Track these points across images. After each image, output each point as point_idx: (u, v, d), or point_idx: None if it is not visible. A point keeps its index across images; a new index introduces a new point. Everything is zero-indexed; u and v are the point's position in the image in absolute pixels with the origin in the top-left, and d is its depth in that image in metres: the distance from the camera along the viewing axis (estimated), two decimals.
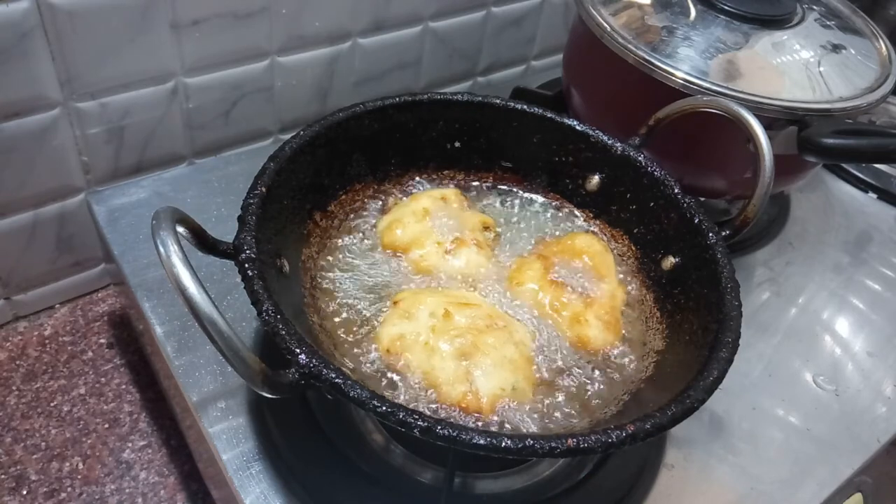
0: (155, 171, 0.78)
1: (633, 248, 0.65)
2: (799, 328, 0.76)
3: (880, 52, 0.79)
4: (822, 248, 0.87)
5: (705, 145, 0.74)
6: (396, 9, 0.85)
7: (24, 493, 0.64)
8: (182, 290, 0.39)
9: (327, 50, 0.83)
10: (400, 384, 0.51)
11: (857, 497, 0.67)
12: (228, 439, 0.55)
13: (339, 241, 0.62)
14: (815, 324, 0.77)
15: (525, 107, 0.67)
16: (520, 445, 0.40)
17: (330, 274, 0.59)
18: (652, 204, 0.63)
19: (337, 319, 0.56)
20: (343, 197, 0.64)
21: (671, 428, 0.44)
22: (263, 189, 0.52)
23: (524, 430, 0.50)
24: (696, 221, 0.59)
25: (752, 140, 0.60)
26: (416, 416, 0.40)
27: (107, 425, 0.70)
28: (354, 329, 0.55)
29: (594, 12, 0.75)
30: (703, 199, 0.81)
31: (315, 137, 0.58)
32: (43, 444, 0.67)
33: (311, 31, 0.80)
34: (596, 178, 0.67)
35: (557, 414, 0.52)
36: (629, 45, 0.71)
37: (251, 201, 0.50)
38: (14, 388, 0.71)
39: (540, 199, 0.70)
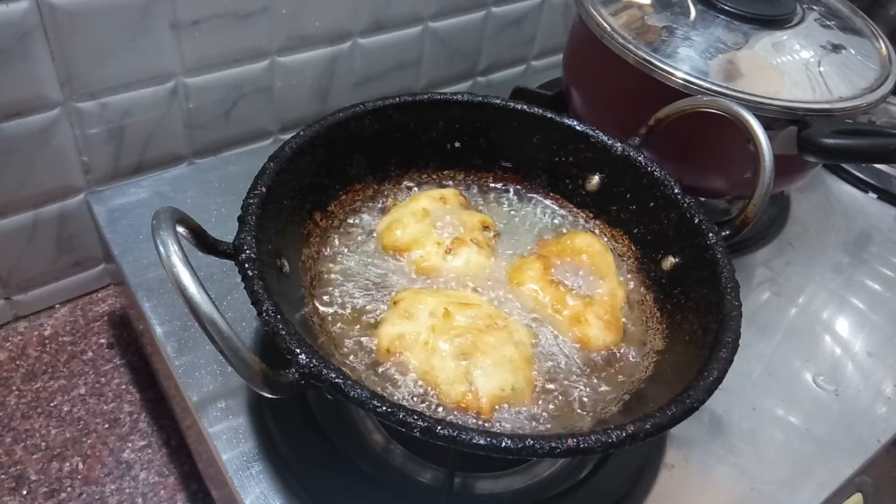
0: (155, 171, 0.78)
1: (633, 248, 0.65)
2: (799, 328, 0.76)
3: (880, 52, 0.79)
4: (822, 248, 0.87)
5: (705, 145, 0.74)
6: (396, 9, 0.85)
7: (24, 493, 0.64)
8: (182, 290, 0.39)
9: (327, 50, 0.83)
10: (400, 384, 0.51)
11: (857, 497, 0.67)
12: (228, 439, 0.55)
13: (339, 241, 0.62)
14: (815, 324, 0.77)
15: (525, 107, 0.67)
16: (520, 445, 0.40)
17: (330, 274, 0.59)
18: (652, 204, 0.63)
19: (337, 319, 0.56)
20: (343, 197, 0.64)
21: (671, 428, 0.44)
22: (263, 189, 0.52)
23: (524, 430, 0.50)
24: (696, 221, 0.59)
25: (752, 140, 0.60)
26: (416, 416, 0.40)
27: (107, 425, 0.70)
28: (354, 329, 0.55)
29: (594, 12, 0.75)
30: (703, 199, 0.81)
31: (315, 137, 0.58)
32: (43, 444, 0.67)
33: (311, 31, 0.80)
34: (596, 178, 0.67)
35: (557, 414, 0.52)
36: (629, 45, 0.71)
37: (251, 201, 0.50)
38: (14, 388, 0.71)
39: (540, 199, 0.70)
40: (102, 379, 0.74)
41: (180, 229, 0.43)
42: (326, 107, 0.88)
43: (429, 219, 0.63)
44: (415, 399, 0.50)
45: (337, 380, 0.41)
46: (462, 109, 0.66)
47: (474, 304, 0.56)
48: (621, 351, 0.57)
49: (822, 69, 0.73)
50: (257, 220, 0.49)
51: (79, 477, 0.66)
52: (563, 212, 0.69)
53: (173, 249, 0.40)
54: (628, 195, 0.65)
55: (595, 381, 0.55)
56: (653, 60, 0.69)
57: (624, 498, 0.57)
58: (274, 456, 0.54)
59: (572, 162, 0.68)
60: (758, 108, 0.64)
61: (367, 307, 0.57)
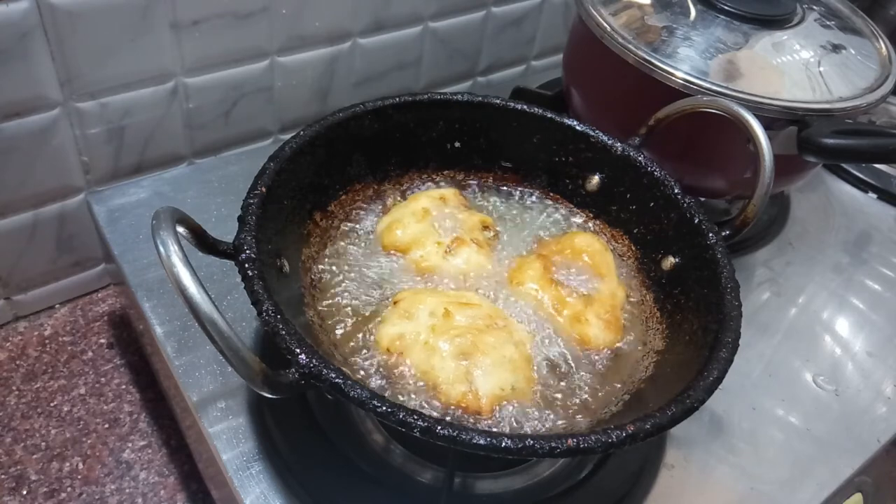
0: (155, 171, 0.78)
1: (633, 248, 0.65)
2: (799, 328, 0.76)
3: (880, 52, 0.79)
4: (822, 248, 0.87)
5: (705, 145, 0.74)
6: (396, 9, 0.85)
7: (24, 493, 0.64)
8: (182, 290, 0.39)
9: (327, 50, 0.83)
10: (400, 384, 0.51)
11: (857, 497, 0.67)
12: (228, 439, 0.55)
13: (339, 241, 0.62)
14: (815, 324, 0.77)
15: (525, 107, 0.67)
16: (520, 445, 0.40)
17: (330, 274, 0.59)
18: (652, 204, 0.63)
19: (337, 319, 0.56)
20: (343, 197, 0.64)
21: (671, 428, 0.44)
22: (263, 189, 0.52)
23: (524, 430, 0.50)
24: (696, 221, 0.59)
25: (752, 140, 0.60)
26: (416, 416, 0.40)
27: (107, 425, 0.70)
28: (354, 329, 0.55)
29: (594, 12, 0.75)
30: (703, 199, 0.81)
31: (315, 137, 0.58)
32: (43, 444, 0.67)
33: (311, 31, 0.80)
34: (596, 178, 0.67)
35: (557, 414, 0.52)
36: (629, 45, 0.71)
37: (251, 201, 0.50)
38: (14, 388, 0.71)
39: (540, 198, 0.70)
40: (102, 379, 0.74)
41: (180, 229, 0.43)
42: (326, 107, 0.88)
43: (429, 219, 0.63)
44: (414, 399, 0.50)
45: (337, 380, 0.41)
46: (462, 109, 0.66)
47: (474, 304, 0.56)
48: (621, 351, 0.57)
49: (822, 69, 0.73)
50: (257, 220, 0.49)
51: (79, 477, 0.66)
52: (563, 212, 0.69)
53: (173, 249, 0.40)
54: (628, 195, 0.65)
55: (595, 380, 0.55)
56: (653, 60, 0.69)
57: (624, 498, 0.57)
58: (274, 456, 0.54)
59: (572, 162, 0.68)
60: (758, 108, 0.64)
61: (367, 307, 0.57)
